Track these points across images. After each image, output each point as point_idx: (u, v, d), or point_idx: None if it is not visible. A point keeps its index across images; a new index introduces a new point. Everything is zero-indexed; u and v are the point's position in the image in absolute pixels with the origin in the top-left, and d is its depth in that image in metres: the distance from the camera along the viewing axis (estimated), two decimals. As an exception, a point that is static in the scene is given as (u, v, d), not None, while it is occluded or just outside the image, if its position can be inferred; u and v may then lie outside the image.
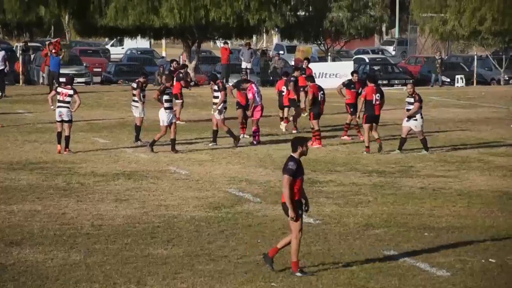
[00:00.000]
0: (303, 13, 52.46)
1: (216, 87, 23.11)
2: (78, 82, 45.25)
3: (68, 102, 21.57)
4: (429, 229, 14.14)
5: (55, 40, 40.64)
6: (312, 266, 11.89)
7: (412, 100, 21.68)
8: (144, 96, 23.78)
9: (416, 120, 21.71)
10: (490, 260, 12.29)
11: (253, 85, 24.08)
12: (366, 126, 22.27)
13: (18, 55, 45.87)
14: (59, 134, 21.64)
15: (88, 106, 34.35)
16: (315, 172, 19.37)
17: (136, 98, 23.65)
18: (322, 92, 23.45)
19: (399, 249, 12.79)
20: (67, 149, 21.48)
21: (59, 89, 21.97)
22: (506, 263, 12.16)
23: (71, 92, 21.58)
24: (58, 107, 21.68)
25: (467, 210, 15.65)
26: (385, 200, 16.45)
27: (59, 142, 21.55)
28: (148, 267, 11.78)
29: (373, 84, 22.56)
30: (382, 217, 14.93)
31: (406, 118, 21.83)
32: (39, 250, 12.60)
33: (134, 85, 23.99)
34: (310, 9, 52.63)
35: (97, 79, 48.02)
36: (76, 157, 21.15)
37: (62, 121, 21.57)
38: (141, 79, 23.92)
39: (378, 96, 22.26)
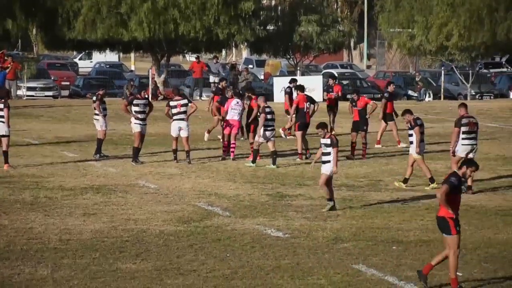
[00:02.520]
0: (273, 27, 52.66)
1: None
2: (46, 96, 45.09)
3: (2, 117, 21.28)
4: (397, 242, 14.20)
5: (0, 52, 40.19)
6: (281, 280, 11.89)
7: (411, 131, 19.56)
8: (105, 109, 23.63)
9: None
10: (457, 273, 12.36)
11: (236, 100, 23.72)
12: (298, 134, 23.19)
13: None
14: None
15: (56, 119, 34.18)
16: (284, 186, 19.40)
17: (96, 111, 23.57)
18: (308, 103, 23.74)
19: (368, 263, 12.83)
20: (6, 165, 21.04)
21: None
22: (473, 277, 12.24)
23: (1, 106, 21.32)
24: None
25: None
26: (354, 214, 16.51)
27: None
28: (116, 281, 11.71)
29: (303, 94, 23.78)
30: (351, 231, 14.98)
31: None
32: (6, 265, 12.48)
33: (94, 97, 23.99)
34: (280, 24, 52.84)
35: (65, 92, 47.79)
36: (43, 171, 21.01)
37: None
38: (100, 92, 23.79)
39: (308, 104, 23.44)
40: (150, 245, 13.78)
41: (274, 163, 21.99)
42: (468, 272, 12.45)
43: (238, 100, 23.65)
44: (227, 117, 23.44)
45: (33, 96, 44.48)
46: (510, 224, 15.78)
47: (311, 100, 24.10)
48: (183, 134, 22.32)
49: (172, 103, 22.65)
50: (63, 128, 31.00)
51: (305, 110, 23.44)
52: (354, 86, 48.16)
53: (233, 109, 23.46)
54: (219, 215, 16.20)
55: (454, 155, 18.68)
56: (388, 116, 26.66)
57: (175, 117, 22.47)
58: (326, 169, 16.42)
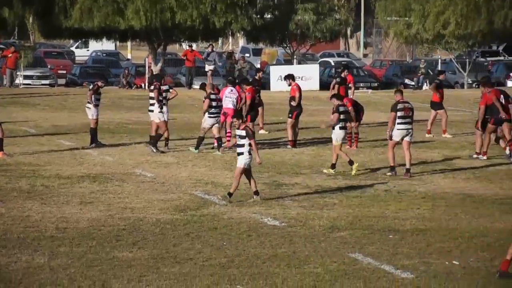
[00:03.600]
0: (269, 16, 52.59)
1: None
2: (42, 84, 45.06)
3: None
4: (393, 231, 14.23)
5: None
6: (278, 269, 11.91)
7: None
8: (98, 99, 23.52)
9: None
10: (454, 262, 12.40)
11: (230, 88, 23.66)
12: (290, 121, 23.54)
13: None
14: None
15: (53, 108, 34.17)
16: (281, 175, 19.41)
17: (88, 99, 23.57)
18: (258, 95, 24.09)
19: (364, 252, 12.86)
20: (1, 152, 20.98)
21: None
22: (469, 265, 12.27)
23: None
24: None
25: (431, 213, 15.77)
26: (350, 202, 16.53)
27: None
28: (113, 270, 11.73)
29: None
30: (347, 220, 15.00)
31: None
32: (2, 253, 12.49)
33: (90, 86, 23.97)
34: (276, 12, 52.77)
35: (62, 81, 47.76)
36: (40, 159, 21.01)
37: None
38: (99, 83, 23.68)
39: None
40: (147, 234, 13.80)
41: (218, 148, 22.23)
42: (464, 260, 12.49)
43: (232, 88, 23.58)
44: (223, 106, 23.30)
45: (29, 84, 44.46)
46: (507, 212, 15.81)
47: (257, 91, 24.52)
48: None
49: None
50: (60, 116, 30.99)
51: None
52: (350, 75, 48.12)
53: (227, 97, 23.35)
54: (215, 203, 16.22)
55: (391, 139, 19.40)
56: (437, 105, 26.42)
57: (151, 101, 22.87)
58: (240, 162, 16.05)
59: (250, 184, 16.43)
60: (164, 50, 47.54)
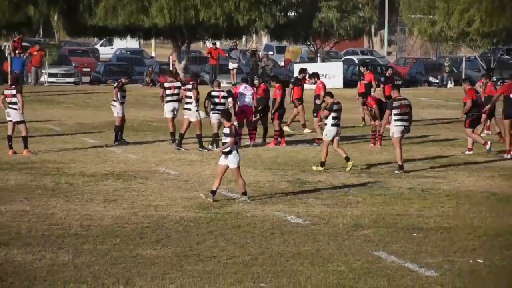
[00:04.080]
0: (293, 13, 52.52)
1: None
2: (67, 82, 45.28)
3: (14, 103, 21.25)
4: (417, 229, 14.17)
5: (17, 38, 40.26)
6: (301, 267, 11.90)
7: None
8: (123, 97, 23.69)
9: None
10: (478, 260, 12.34)
11: (244, 85, 23.62)
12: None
13: (6, 54, 45.75)
14: (9, 137, 21.30)
15: (77, 106, 34.32)
16: (304, 173, 19.39)
17: (114, 97, 23.69)
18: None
19: (388, 250, 12.82)
20: (25, 150, 21.18)
21: (5, 91, 21.64)
22: (494, 263, 12.20)
23: (14, 92, 21.39)
24: (9, 108, 21.42)
25: (455, 211, 15.69)
26: (374, 200, 16.48)
27: (10, 147, 21.21)
28: (137, 267, 11.76)
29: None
30: (371, 218, 14.96)
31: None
32: (27, 250, 12.57)
33: (115, 83, 24.09)
34: (300, 10, 52.69)
35: (86, 79, 47.96)
36: (64, 157, 21.11)
37: (13, 122, 21.30)
38: (123, 80, 23.86)
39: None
40: (170, 231, 13.83)
41: (213, 144, 22.22)
42: (489, 259, 12.41)
43: (246, 85, 23.50)
44: (239, 104, 23.22)
45: (54, 82, 44.67)
46: (532, 211, 15.70)
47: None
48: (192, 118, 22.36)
49: (166, 85, 23.07)
50: (84, 114, 31.13)
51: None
52: (374, 73, 48.05)
53: (243, 95, 23.21)
54: (239, 201, 16.21)
55: (392, 136, 19.64)
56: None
57: (168, 98, 23.08)
58: (234, 162, 15.82)
59: (238, 184, 16.14)
60: (188, 48, 47.59)
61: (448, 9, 46.79)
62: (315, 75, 24.93)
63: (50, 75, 45.01)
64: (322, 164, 19.64)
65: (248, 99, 23.20)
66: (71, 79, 45.56)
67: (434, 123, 29.74)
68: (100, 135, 25.31)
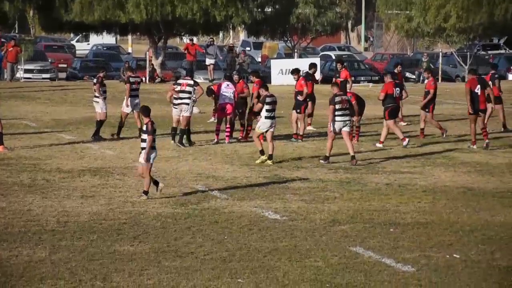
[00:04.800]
0: (270, 9, 52.53)
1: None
2: (43, 78, 45.04)
3: None
4: (394, 225, 14.23)
5: None
6: (279, 262, 11.92)
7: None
8: (105, 92, 23.74)
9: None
10: (455, 255, 12.41)
11: (226, 83, 23.57)
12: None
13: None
14: None
15: (54, 102, 34.16)
16: (282, 169, 19.42)
17: (96, 93, 23.67)
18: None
19: (365, 245, 12.86)
20: (1, 146, 21.00)
21: None
22: (470, 258, 12.28)
23: None
24: None
25: (432, 206, 15.78)
26: (351, 196, 16.54)
27: None
28: (114, 263, 11.74)
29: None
30: (348, 213, 15.01)
31: None
32: (4, 247, 12.50)
33: (94, 80, 24.07)
34: (277, 6, 52.71)
35: (63, 75, 47.73)
36: (41, 153, 21.02)
37: None
38: (101, 74, 23.91)
39: (398, 90, 23.19)
40: (148, 228, 13.80)
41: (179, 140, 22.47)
42: (465, 254, 12.49)
43: (228, 83, 23.47)
44: (220, 101, 23.21)
45: (30, 78, 44.43)
46: (508, 206, 15.82)
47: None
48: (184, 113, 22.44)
49: (178, 81, 23.08)
50: (61, 110, 30.99)
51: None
52: (351, 68, 48.21)
53: (224, 93, 23.23)
54: (216, 197, 16.22)
55: (334, 132, 19.99)
56: (495, 99, 26.49)
57: (131, 93, 23.52)
58: (147, 159, 15.73)
59: (144, 181, 15.89)
60: (165, 44, 47.51)
61: (424, 4, 47.00)
62: (297, 71, 24.93)
63: (26, 71, 44.76)
64: (262, 152, 19.99)
65: (229, 96, 23.20)
66: (47, 75, 45.33)
67: (410, 119, 29.85)
68: (77, 131, 25.21)
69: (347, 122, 19.97)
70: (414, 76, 49.35)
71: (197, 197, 16.21)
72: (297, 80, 24.67)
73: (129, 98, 23.78)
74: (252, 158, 20.86)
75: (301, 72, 25.36)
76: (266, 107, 20.06)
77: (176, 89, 22.67)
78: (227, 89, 23.20)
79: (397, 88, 23.09)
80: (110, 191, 16.63)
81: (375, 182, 18.01)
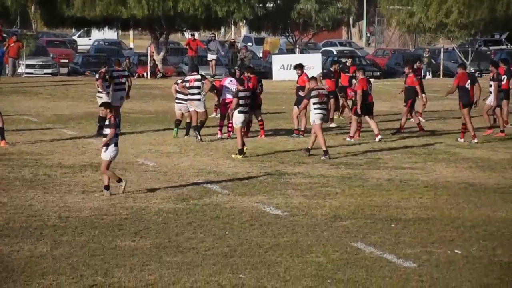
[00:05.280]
0: (271, 4, 52.49)
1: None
2: (45, 73, 45.02)
3: None
4: (396, 220, 14.23)
5: None
6: (280, 258, 11.93)
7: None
8: (108, 87, 23.70)
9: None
10: (456, 251, 12.41)
11: (230, 78, 23.57)
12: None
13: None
14: None
15: (55, 97, 34.17)
16: (283, 164, 19.42)
17: (99, 89, 23.63)
18: (260, 84, 24.03)
19: (366, 241, 12.87)
20: (3, 141, 21.00)
21: None
22: (471, 254, 12.28)
23: None
24: None
25: (434, 202, 15.78)
26: (353, 192, 16.54)
27: None
28: (115, 259, 11.75)
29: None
30: (350, 209, 15.01)
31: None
32: (5, 242, 12.51)
33: (97, 75, 24.01)
34: (278, 1, 52.67)
35: (64, 70, 47.72)
36: (42, 148, 21.03)
37: None
38: (103, 69, 23.83)
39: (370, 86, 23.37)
40: (149, 223, 13.81)
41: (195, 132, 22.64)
42: (466, 249, 12.49)
43: (232, 78, 23.46)
44: (223, 97, 23.23)
45: (32, 73, 44.42)
46: (509, 202, 15.82)
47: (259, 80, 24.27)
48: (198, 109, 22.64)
49: (115, 74, 23.40)
50: (62, 105, 30.99)
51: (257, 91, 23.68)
52: (353, 64, 48.13)
53: (228, 88, 23.22)
54: (218, 193, 16.23)
55: (316, 123, 20.21)
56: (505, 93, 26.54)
57: (116, 87, 23.46)
58: (106, 155, 15.59)
59: (103, 176, 15.80)
60: (166, 39, 47.49)
61: (426, 0, 46.94)
62: (300, 67, 24.86)
63: (28, 66, 44.73)
64: (240, 152, 20.06)
65: (231, 93, 23.16)
66: (49, 70, 45.30)
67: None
68: (78, 127, 25.20)
69: (325, 115, 20.41)
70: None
71: (199, 192, 16.21)
72: (299, 76, 24.64)
73: (115, 92, 23.65)
74: (254, 153, 20.86)
75: (304, 68, 25.31)
76: (240, 101, 20.29)
77: (186, 86, 22.77)
78: (230, 85, 23.19)
79: (370, 85, 23.20)
80: (111, 186, 16.62)
81: (376, 177, 18.00)
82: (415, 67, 27.69)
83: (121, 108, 24.17)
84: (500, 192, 16.69)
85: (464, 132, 23.28)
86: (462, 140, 23.05)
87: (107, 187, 15.78)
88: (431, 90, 39.50)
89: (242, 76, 23.42)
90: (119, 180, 15.86)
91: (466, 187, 17.20)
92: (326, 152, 20.12)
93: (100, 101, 23.69)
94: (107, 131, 15.67)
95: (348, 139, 22.96)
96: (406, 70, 26.56)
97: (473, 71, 48.28)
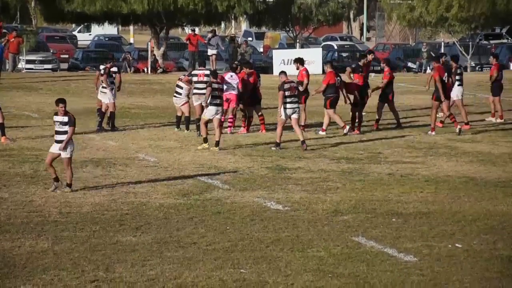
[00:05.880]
0: (272, -1, 52.42)
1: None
2: (45, 69, 45.00)
3: None
4: (396, 215, 14.24)
5: None
6: (281, 252, 11.93)
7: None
8: (112, 82, 23.69)
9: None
10: (457, 245, 12.42)
11: (230, 73, 23.56)
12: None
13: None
14: None
15: (55, 93, 34.14)
16: (284, 159, 19.42)
17: (104, 84, 23.57)
18: (258, 78, 24.02)
19: (367, 235, 12.88)
20: (3, 137, 21.00)
21: None
22: (472, 248, 12.29)
23: None
24: None
25: (434, 196, 15.78)
26: (354, 186, 16.54)
27: None
28: (116, 254, 11.75)
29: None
30: (351, 204, 15.02)
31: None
32: (6, 237, 12.52)
33: (102, 71, 23.90)
34: (279, -4, 52.59)
35: (64, 65, 47.69)
36: (43, 144, 21.01)
37: None
38: (108, 65, 23.80)
39: (339, 80, 23.23)
40: (150, 218, 13.82)
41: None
42: (467, 243, 12.50)
43: (232, 73, 23.45)
44: (224, 92, 23.18)
45: (32, 69, 44.40)
46: (510, 195, 15.82)
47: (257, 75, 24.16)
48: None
49: (194, 72, 23.32)
50: (63, 101, 30.92)
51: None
52: (353, 58, 48.13)
53: (228, 83, 23.20)
54: (218, 188, 16.23)
55: (284, 117, 20.50)
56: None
57: (196, 85, 23.14)
58: (55, 148, 15.51)
59: (66, 174, 15.67)
60: (167, 34, 47.46)
61: (426, -6, 46.92)
62: (299, 61, 24.73)
63: (28, 61, 44.71)
64: (205, 140, 20.50)
65: (233, 87, 23.18)
66: (49, 66, 45.26)
67: (413, 108, 29.85)
68: (79, 122, 25.09)
69: (296, 109, 20.54)
70: (415, 66, 49.28)
71: (200, 187, 16.22)
72: (298, 70, 24.59)
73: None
74: (254, 148, 20.87)
75: (304, 63, 25.21)
76: (212, 93, 20.51)
77: (193, 80, 22.81)
78: (231, 80, 23.18)
79: (338, 78, 23.23)
80: (112, 182, 16.64)
81: (377, 172, 18.01)
82: (443, 60, 27.21)
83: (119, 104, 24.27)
84: (501, 186, 16.70)
85: (455, 121, 23.42)
86: (457, 128, 23.25)
87: (69, 185, 15.61)
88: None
89: (238, 73, 23.45)
90: (56, 179, 15.62)
91: (466, 181, 17.21)
92: (278, 144, 20.58)
93: (104, 97, 23.67)
94: (65, 128, 15.41)
95: (320, 132, 23.18)
96: (382, 64, 26.64)
97: (473, 65, 48.39)
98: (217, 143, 20.36)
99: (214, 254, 11.81)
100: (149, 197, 15.35)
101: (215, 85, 20.70)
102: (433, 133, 23.29)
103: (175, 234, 12.82)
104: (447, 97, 23.45)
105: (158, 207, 14.63)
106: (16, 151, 19.88)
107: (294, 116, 20.49)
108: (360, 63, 24.97)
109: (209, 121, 20.64)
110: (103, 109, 23.55)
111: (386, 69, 25.25)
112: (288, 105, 20.37)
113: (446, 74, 23.60)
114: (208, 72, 22.94)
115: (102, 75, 23.66)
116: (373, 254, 11.91)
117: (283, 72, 21.28)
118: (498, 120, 26.37)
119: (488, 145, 21.82)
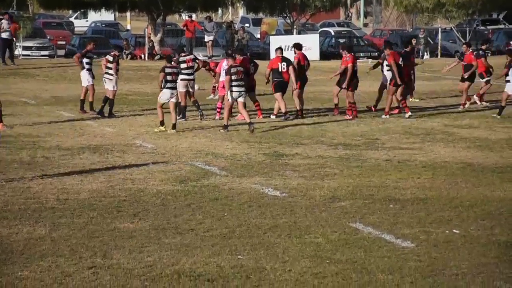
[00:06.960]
0: (269, -15, 52.28)
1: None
2: (42, 55, 44.91)
3: None
4: (394, 201, 14.25)
5: None
6: (278, 239, 11.95)
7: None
8: (118, 70, 23.80)
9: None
10: (454, 231, 12.44)
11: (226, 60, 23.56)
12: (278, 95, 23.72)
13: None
14: None
15: (53, 79, 34.11)
16: (281, 145, 19.42)
17: (111, 72, 23.61)
18: (253, 64, 23.88)
19: (365, 221, 12.89)
20: (0, 124, 21.03)
21: None
22: (469, 234, 12.30)
23: None
24: None
25: (432, 182, 15.79)
26: (351, 172, 16.54)
27: None
28: (114, 240, 11.76)
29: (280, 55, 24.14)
30: (348, 190, 15.02)
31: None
32: (4, 224, 12.52)
33: (110, 58, 23.86)
34: (276, -18, 52.45)
35: (61, 52, 47.59)
36: (40, 131, 21.01)
37: None
38: (116, 53, 23.99)
39: (284, 65, 23.54)
40: (148, 205, 13.82)
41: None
42: (464, 229, 12.52)
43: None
44: (221, 79, 23.22)
45: (29, 55, 44.31)
46: (507, 181, 15.83)
47: (251, 61, 24.06)
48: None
49: (181, 58, 23.17)
50: (60, 87, 30.93)
51: (279, 70, 23.50)
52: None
53: (225, 70, 23.14)
54: (216, 174, 16.23)
55: (231, 101, 21.11)
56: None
57: (88, 67, 23.94)
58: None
59: None
60: (164, 21, 47.34)
61: (423, -21, 46.85)
62: (296, 46, 24.72)
63: (25, 48, 44.62)
64: (161, 123, 21.01)
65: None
66: (46, 52, 45.17)
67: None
68: (76, 109, 25.17)
69: (242, 92, 21.07)
70: (413, 52, 49.14)
71: (197, 174, 16.22)
72: (295, 55, 24.53)
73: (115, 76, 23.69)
74: (252, 135, 20.86)
75: (303, 48, 25.14)
76: (168, 77, 20.85)
77: (182, 66, 22.79)
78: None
79: (284, 63, 23.43)
80: (110, 169, 16.63)
81: (374, 158, 18.01)
82: (483, 48, 27.22)
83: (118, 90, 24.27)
84: (498, 172, 16.71)
85: (406, 106, 23.84)
86: (408, 114, 23.57)
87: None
88: (429, 70, 39.48)
89: (232, 56, 23.46)
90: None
91: (464, 167, 17.22)
92: (226, 127, 21.03)
93: (109, 83, 23.69)
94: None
95: (272, 116, 23.42)
96: (464, 48, 26.86)
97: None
98: (173, 126, 20.89)
99: (212, 241, 11.81)
100: (146, 184, 15.35)
101: (169, 70, 20.95)
102: (387, 116, 23.53)
103: (173, 221, 12.82)
104: (403, 81, 23.64)
105: (155, 193, 14.63)
106: (13, 138, 19.86)
107: (240, 99, 21.03)
108: (408, 49, 25.32)
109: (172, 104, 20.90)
110: (107, 94, 23.62)
111: (468, 52, 25.77)
112: (234, 88, 20.93)
113: (401, 59, 23.73)
114: (193, 57, 23.51)
115: (111, 62, 23.69)
116: (371, 240, 11.93)
117: (230, 56, 21.79)
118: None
119: (486, 130, 21.83)
